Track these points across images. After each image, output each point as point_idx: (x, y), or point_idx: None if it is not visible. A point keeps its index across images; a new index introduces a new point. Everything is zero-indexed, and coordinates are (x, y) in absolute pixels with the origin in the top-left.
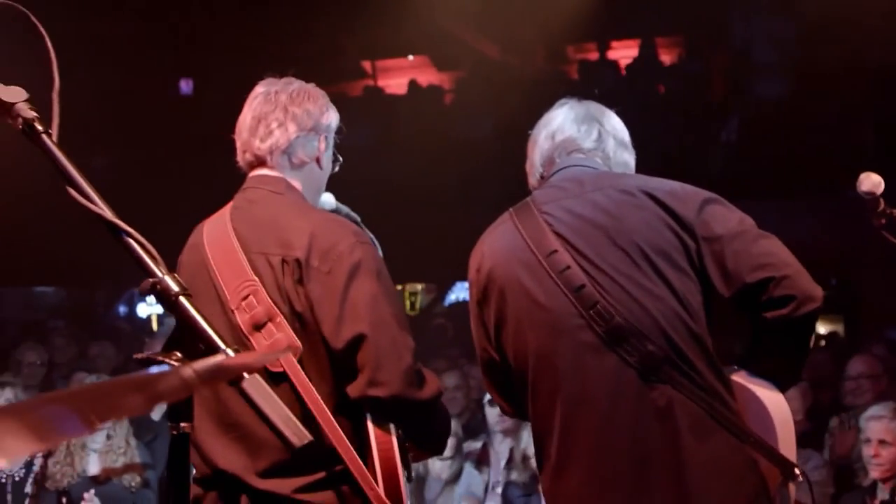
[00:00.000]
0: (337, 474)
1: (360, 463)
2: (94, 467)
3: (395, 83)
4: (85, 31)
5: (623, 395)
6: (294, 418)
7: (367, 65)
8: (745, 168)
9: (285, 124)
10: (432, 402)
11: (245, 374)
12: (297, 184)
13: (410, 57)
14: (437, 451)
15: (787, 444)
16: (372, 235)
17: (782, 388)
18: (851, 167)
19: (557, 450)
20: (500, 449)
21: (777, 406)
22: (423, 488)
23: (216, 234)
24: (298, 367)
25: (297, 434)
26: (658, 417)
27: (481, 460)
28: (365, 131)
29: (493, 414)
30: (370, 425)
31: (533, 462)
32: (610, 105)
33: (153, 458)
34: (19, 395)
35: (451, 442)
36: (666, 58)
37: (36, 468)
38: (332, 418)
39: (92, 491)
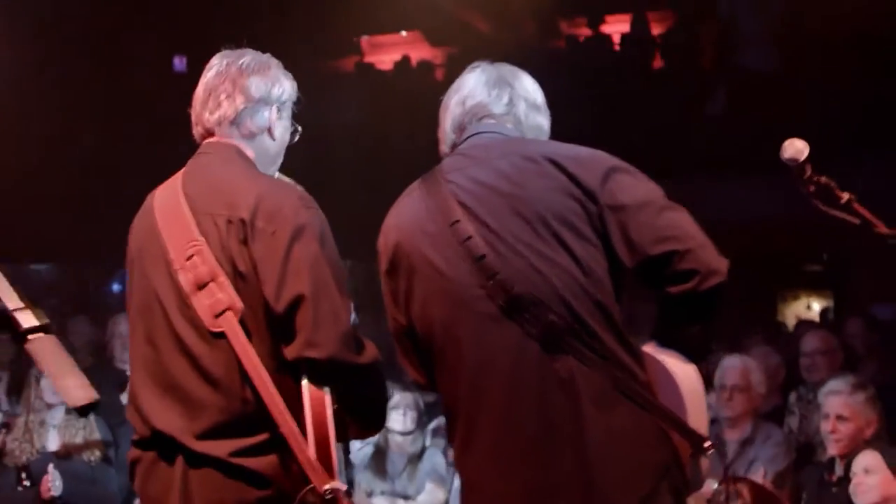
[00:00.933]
0: (276, 439)
1: (294, 425)
2: (53, 443)
3: (387, 59)
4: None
5: (526, 367)
6: (83, 378)
7: (359, 41)
8: (733, 142)
9: (233, 96)
10: (369, 367)
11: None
12: (249, 153)
13: (403, 33)
14: (375, 423)
15: (696, 416)
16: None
17: (692, 360)
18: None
19: (464, 422)
20: None
21: (686, 377)
22: (384, 462)
23: (166, 197)
24: (238, 327)
25: (81, 394)
26: (561, 388)
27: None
28: (355, 107)
29: None
30: (305, 388)
31: None
32: (604, 80)
33: (115, 439)
34: None
35: (412, 415)
36: (656, 31)
37: None
38: (269, 380)
39: (51, 465)
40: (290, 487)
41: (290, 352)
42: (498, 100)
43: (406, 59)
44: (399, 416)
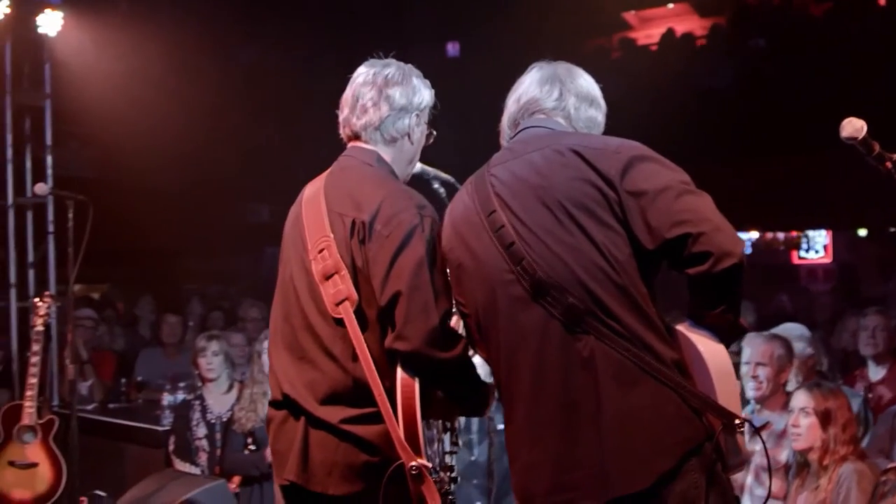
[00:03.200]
0: (380, 413)
1: (388, 406)
2: None
3: (655, 33)
4: None
5: (550, 345)
6: None
7: (627, 16)
8: None
9: (379, 104)
10: (452, 362)
11: None
12: (387, 157)
13: (670, 5)
14: (476, 409)
15: (727, 395)
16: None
17: (723, 341)
18: None
19: (506, 397)
20: None
21: (714, 357)
22: None
23: (313, 192)
24: (353, 315)
25: None
26: (582, 367)
27: None
28: (615, 84)
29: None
30: (398, 374)
31: None
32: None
33: None
34: (228, 350)
35: None
36: None
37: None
38: (372, 364)
39: None
40: (396, 457)
41: (386, 342)
42: (549, 95)
43: (671, 32)
44: None
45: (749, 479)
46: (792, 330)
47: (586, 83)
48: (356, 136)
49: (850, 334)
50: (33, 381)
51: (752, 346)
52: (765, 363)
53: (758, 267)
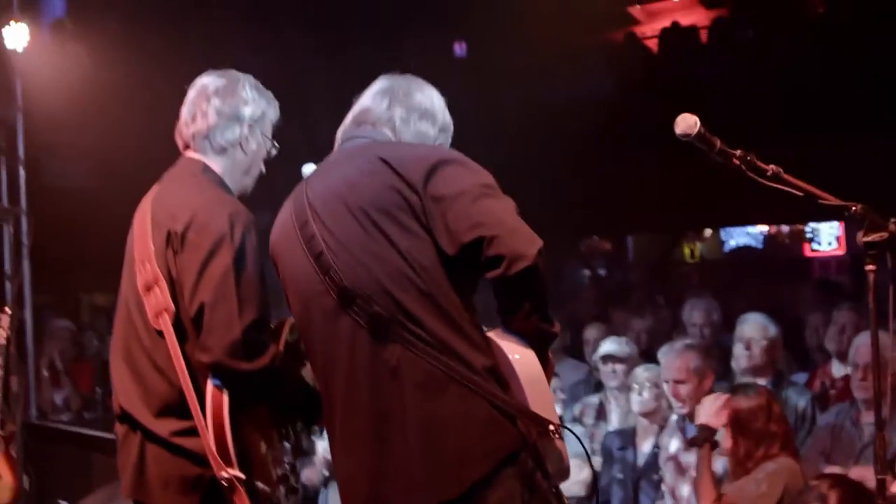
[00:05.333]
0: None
1: (202, 417)
2: None
3: (660, 27)
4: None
5: (360, 355)
6: None
7: (633, 10)
8: None
9: (208, 113)
10: (257, 373)
11: None
12: (217, 165)
13: None
14: (304, 420)
15: (538, 401)
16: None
17: (533, 346)
18: None
19: (325, 409)
20: (613, 405)
21: (522, 362)
22: None
23: (144, 203)
24: (171, 327)
25: None
26: (391, 376)
27: (599, 416)
28: (616, 80)
29: (606, 371)
30: (208, 385)
31: (633, 417)
32: None
33: None
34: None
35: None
36: None
37: None
38: (187, 375)
39: None
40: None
41: (190, 352)
42: (378, 106)
43: (675, 25)
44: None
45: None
46: (754, 320)
47: (424, 97)
48: (187, 145)
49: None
50: None
51: (666, 363)
52: (682, 379)
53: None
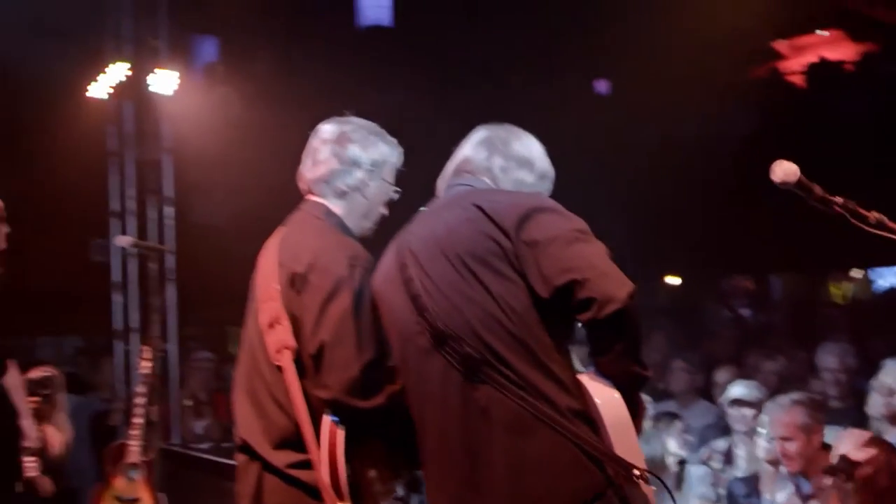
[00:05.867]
0: None
1: (317, 451)
2: None
3: (806, 62)
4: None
5: (451, 395)
6: None
7: (777, 45)
8: None
9: (329, 158)
10: (372, 410)
11: None
12: (338, 209)
13: (823, 32)
14: (407, 460)
15: (623, 444)
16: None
17: (621, 388)
18: None
19: (419, 444)
20: (741, 450)
21: (609, 406)
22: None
23: (271, 243)
24: (291, 364)
25: None
26: (480, 416)
27: (727, 460)
28: (760, 115)
29: (734, 415)
30: (324, 420)
31: (757, 464)
32: None
33: None
34: None
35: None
36: None
37: None
38: (305, 410)
39: None
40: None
41: (308, 388)
42: (477, 155)
43: (822, 60)
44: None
45: None
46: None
47: (522, 146)
48: (309, 190)
49: None
50: (138, 421)
51: (772, 419)
52: (789, 436)
53: None
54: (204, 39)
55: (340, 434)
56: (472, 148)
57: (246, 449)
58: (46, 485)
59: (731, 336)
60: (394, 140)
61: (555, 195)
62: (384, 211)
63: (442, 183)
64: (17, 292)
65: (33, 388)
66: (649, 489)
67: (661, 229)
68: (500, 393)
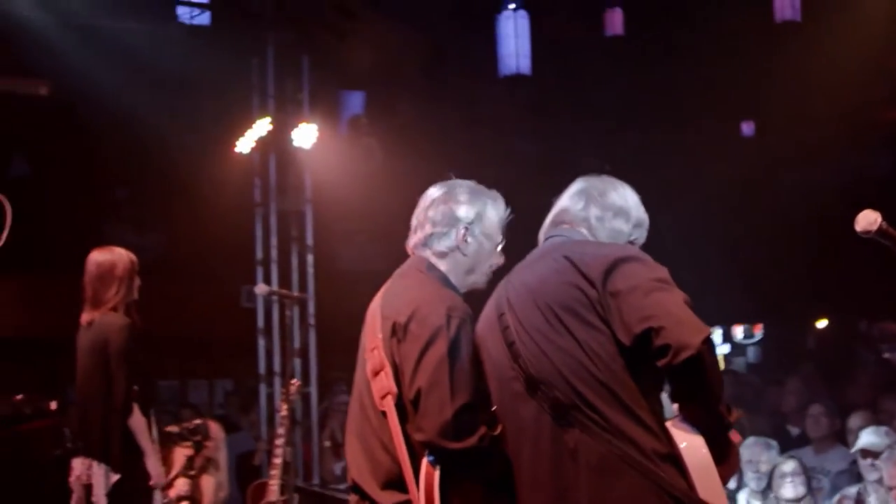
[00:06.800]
0: None
1: (416, 491)
2: None
3: None
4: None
5: (543, 438)
6: None
7: None
8: None
9: (424, 224)
10: (465, 452)
11: None
12: (442, 267)
13: None
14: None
15: (706, 487)
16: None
17: (704, 432)
18: None
19: (514, 483)
20: (872, 498)
21: (692, 451)
22: None
23: (376, 297)
24: (394, 409)
25: None
26: (570, 457)
27: None
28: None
29: (864, 463)
30: (423, 461)
31: None
32: None
33: None
34: None
35: (801, 479)
36: None
37: None
38: (405, 453)
39: None
40: None
41: (410, 433)
42: (575, 206)
43: None
44: (789, 484)
45: None
46: None
47: (618, 196)
48: (413, 251)
49: None
50: (277, 461)
51: (886, 470)
52: None
53: None
54: (350, 94)
55: (436, 474)
56: (569, 199)
57: (357, 489)
58: None
59: (867, 381)
60: (494, 193)
61: (700, 234)
62: (495, 262)
63: (542, 234)
64: (170, 339)
65: (186, 435)
66: None
67: (802, 271)
68: (587, 436)
